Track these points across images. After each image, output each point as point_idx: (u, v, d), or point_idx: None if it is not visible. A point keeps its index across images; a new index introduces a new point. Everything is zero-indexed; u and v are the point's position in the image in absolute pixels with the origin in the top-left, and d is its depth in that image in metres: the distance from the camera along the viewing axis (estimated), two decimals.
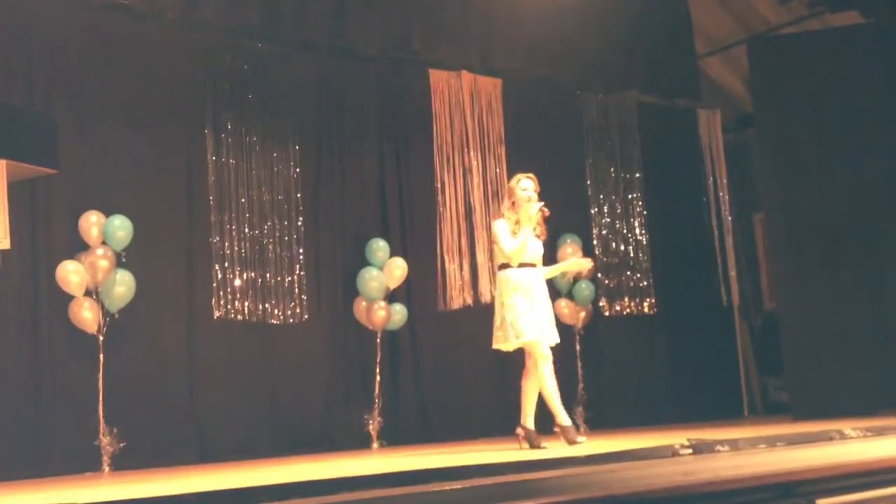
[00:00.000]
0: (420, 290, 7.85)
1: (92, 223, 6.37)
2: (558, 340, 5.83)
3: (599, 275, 8.73)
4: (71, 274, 6.23)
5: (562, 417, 5.72)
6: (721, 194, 9.77)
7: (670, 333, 9.10)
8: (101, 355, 6.29)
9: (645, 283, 9.08)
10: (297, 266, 7.33)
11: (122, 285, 6.36)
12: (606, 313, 8.81)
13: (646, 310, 9.03)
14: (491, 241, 6.03)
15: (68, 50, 6.62)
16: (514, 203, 5.81)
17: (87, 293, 6.30)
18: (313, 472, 4.61)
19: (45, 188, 6.37)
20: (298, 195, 7.42)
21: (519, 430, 5.79)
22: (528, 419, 5.78)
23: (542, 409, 5.80)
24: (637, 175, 9.27)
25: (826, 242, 8.20)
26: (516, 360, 8.17)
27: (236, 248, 7.06)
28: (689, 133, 9.80)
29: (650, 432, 6.23)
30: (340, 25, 7.52)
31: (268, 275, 7.18)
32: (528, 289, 5.69)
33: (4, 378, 6.15)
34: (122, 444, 6.20)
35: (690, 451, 4.37)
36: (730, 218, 9.76)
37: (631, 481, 3.40)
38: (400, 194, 7.95)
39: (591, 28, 8.64)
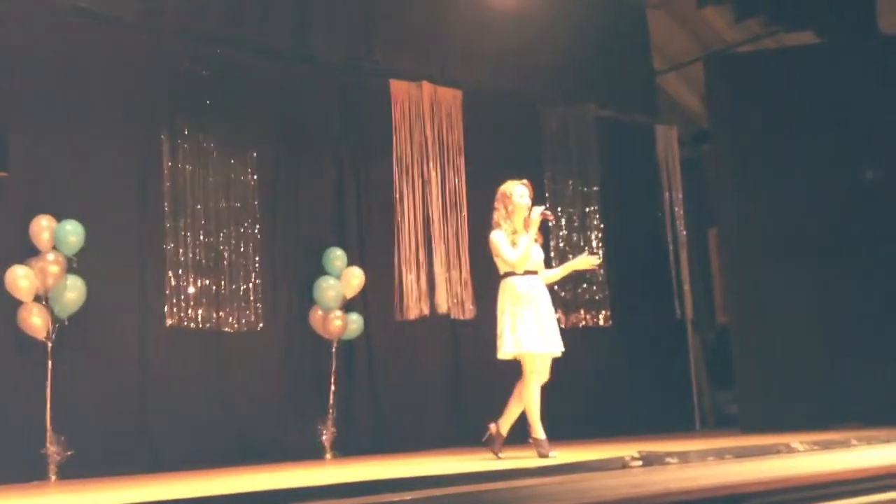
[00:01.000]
0: (377, 299, 7.83)
1: (43, 227, 6.27)
2: (562, 349, 5.76)
3: (556, 287, 8.77)
4: (20, 279, 6.12)
5: (538, 431, 5.71)
6: (676, 209, 9.88)
7: (625, 346, 9.17)
8: (50, 362, 6.18)
9: (600, 296, 9.14)
10: (253, 274, 7.28)
11: (73, 291, 6.26)
12: (562, 325, 8.80)
13: (601, 322, 9.10)
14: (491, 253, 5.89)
15: (24, 52, 6.51)
16: (510, 212, 5.76)
17: (37, 299, 6.19)
18: (264, 482, 4.58)
19: None
20: (255, 202, 7.37)
21: (530, 440, 5.78)
22: (536, 429, 5.75)
23: (522, 418, 5.85)
24: (595, 188, 9.34)
25: (779, 258, 8.34)
26: (472, 371, 8.22)
27: (191, 255, 6.99)
28: (646, 148, 9.90)
29: (602, 444, 6.27)
30: (302, 33, 7.51)
31: (223, 282, 7.11)
32: (531, 298, 5.65)
33: None
34: (69, 453, 6.09)
35: (640, 463, 4.42)
36: (685, 232, 9.86)
37: (581, 493, 3.42)
38: (358, 203, 7.93)
39: (551, 42, 8.72)
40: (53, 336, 6.22)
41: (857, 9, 8.43)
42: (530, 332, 5.58)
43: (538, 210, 5.71)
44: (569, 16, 8.69)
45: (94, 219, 6.49)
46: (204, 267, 7.05)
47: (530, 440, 5.78)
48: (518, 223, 5.74)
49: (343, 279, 7.46)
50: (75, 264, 6.32)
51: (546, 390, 5.94)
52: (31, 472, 6.02)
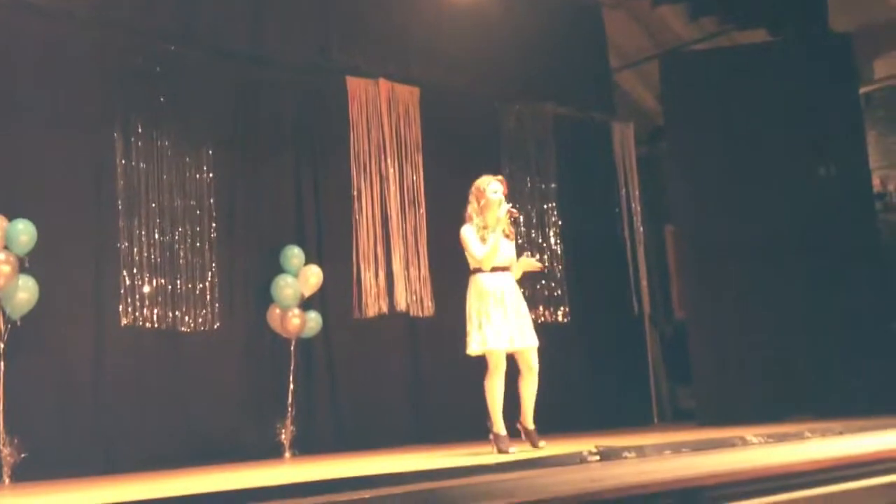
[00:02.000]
0: (335, 297, 7.79)
1: None
2: (536, 343, 5.80)
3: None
4: None
5: (498, 426, 5.73)
6: (633, 206, 9.96)
7: (583, 342, 9.22)
8: (2, 363, 6.07)
9: (559, 292, 9.18)
10: (210, 273, 7.21)
11: (25, 291, 6.15)
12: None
13: (559, 318, 9.14)
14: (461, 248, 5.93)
15: None
16: (482, 206, 5.78)
17: None
18: (221, 482, 4.54)
19: None
20: (211, 201, 7.30)
21: (519, 428, 5.87)
22: (529, 419, 5.86)
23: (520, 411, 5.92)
24: (552, 186, 9.38)
25: (734, 254, 8.44)
26: (431, 369, 8.22)
27: (146, 254, 6.90)
28: (603, 145, 9.97)
29: (561, 439, 6.30)
30: (257, 30, 7.45)
31: (178, 281, 7.04)
32: (499, 295, 5.67)
33: None
34: (23, 455, 5.98)
35: (598, 457, 4.44)
36: (641, 229, 9.94)
37: (539, 488, 3.43)
38: (316, 201, 7.88)
39: (508, 40, 8.74)
40: (5, 337, 6.11)
41: (808, 8, 8.55)
42: (496, 329, 5.61)
43: (504, 207, 5.73)
44: (526, 14, 8.71)
45: (47, 218, 6.37)
46: (159, 266, 6.96)
47: (490, 436, 5.79)
48: (490, 218, 5.77)
49: (301, 277, 7.42)
50: (27, 264, 6.21)
51: (506, 385, 5.98)
52: None
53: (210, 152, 7.34)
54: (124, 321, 6.75)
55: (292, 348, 7.36)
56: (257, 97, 7.69)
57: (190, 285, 7.09)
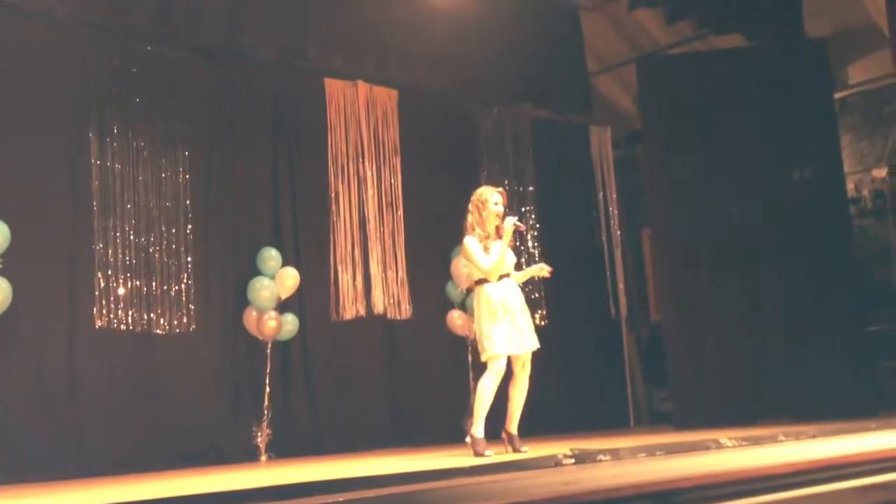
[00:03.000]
0: (312, 300, 7.77)
1: None
2: (537, 346, 5.97)
3: None
4: None
5: (477, 428, 5.81)
6: (611, 209, 9.99)
7: (560, 344, 9.22)
8: None
9: (536, 295, 9.18)
10: (185, 275, 7.17)
11: None
12: None
13: (537, 321, 9.11)
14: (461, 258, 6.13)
15: None
16: (483, 217, 5.91)
17: None
18: (196, 485, 4.51)
19: None
20: (187, 202, 7.26)
21: (503, 435, 5.96)
22: (514, 424, 5.94)
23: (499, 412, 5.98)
24: (530, 188, 9.40)
25: (710, 258, 8.49)
26: (409, 372, 8.21)
27: (121, 256, 6.86)
28: (580, 148, 10.00)
29: (537, 442, 6.31)
30: (234, 30, 7.40)
31: (154, 283, 6.99)
32: (507, 302, 5.83)
33: None
34: None
35: (573, 460, 4.46)
36: (619, 232, 9.97)
37: (514, 491, 3.43)
38: (293, 203, 7.85)
39: (486, 43, 8.74)
40: None
41: (784, 13, 8.61)
42: (505, 335, 5.78)
43: (511, 220, 5.88)
44: (504, 17, 8.71)
45: (21, 218, 6.32)
46: (134, 267, 6.92)
47: (467, 438, 5.81)
48: (490, 228, 5.91)
49: (278, 279, 7.39)
50: (1, 265, 6.15)
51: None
52: None
53: (186, 153, 7.30)
54: (99, 323, 6.70)
55: (268, 351, 7.33)
56: (234, 98, 7.66)
57: (165, 287, 7.05)
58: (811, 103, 8.56)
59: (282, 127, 7.89)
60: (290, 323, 7.45)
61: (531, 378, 8.86)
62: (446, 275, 8.40)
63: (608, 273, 9.86)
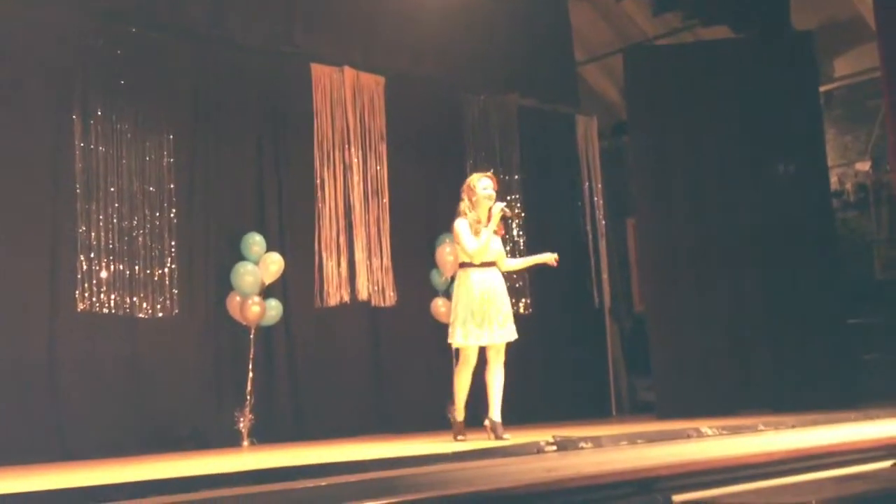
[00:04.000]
0: (296, 286, 7.75)
1: None
2: (513, 337, 6.02)
3: None
4: None
5: (460, 413, 6.01)
6: (596, 199, 10.01)
7: (544, 334, 9.25)
8: None
9: (520, 284, 9.19)
10: (169, 259, 7.13)
11: None
12: None
13: (521, 310, 9.15)
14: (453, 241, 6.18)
15: None
16: (474, 202, 5.96)
17: None
18: (178, 469, 4.50)
19: None
20: (171, 186, 7.22)
21: (486, 423, 5.98)
22: (494, 412, 5.94)
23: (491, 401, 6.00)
24: (516, 177, 9.40)
25: (694, 249, 8.52)
26: (392, 359, 8.21)
27: (103, 239, 6.81)
28: (566, 138, 10.00)
29: (520, 430, 6.33)
30: (220, 13, 7.36)
31: (137, 267, 6.95)
32: (487, 291, 5.88)
33: None
34: None
35: (555, 447, 4.48)
36: (604, 222, 10.00)
37: (496, 477, 3.45)
38: (278, 188, 7.82)
39: (474, 31, 8.73)
40: None
41: (771, 5, 8.64)
42: (477, 325, 5.84)
43: (499, 206, 5.95)
44: (492, 5, 8.71)
45: (2, 200, 6.29)
46: (117, 251, 6.87)
47: (486, 422, 5.94)
48: (482, 214, 5.99)
49: (262, 265, 7.37)
50: None
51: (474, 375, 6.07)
52: None
53: (170, 137, 7.25)
54: (81, 306, 6.66)
55: (252, 336, 7.31)
56: (220, 83, 7.60)
57: (148, 271, 7.01)
58: (796, 96, 8.59)
59: (267, 112, 7.85)
60: (274, 309, 7.43)
61: (511, 367, 8.92)
62: (431, 262, 8.40)
63: (592, 263, 9.88)
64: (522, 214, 9.33)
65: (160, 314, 7.03)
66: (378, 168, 8.30)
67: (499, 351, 5.98)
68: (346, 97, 8.20)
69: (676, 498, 3.53)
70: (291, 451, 6.03)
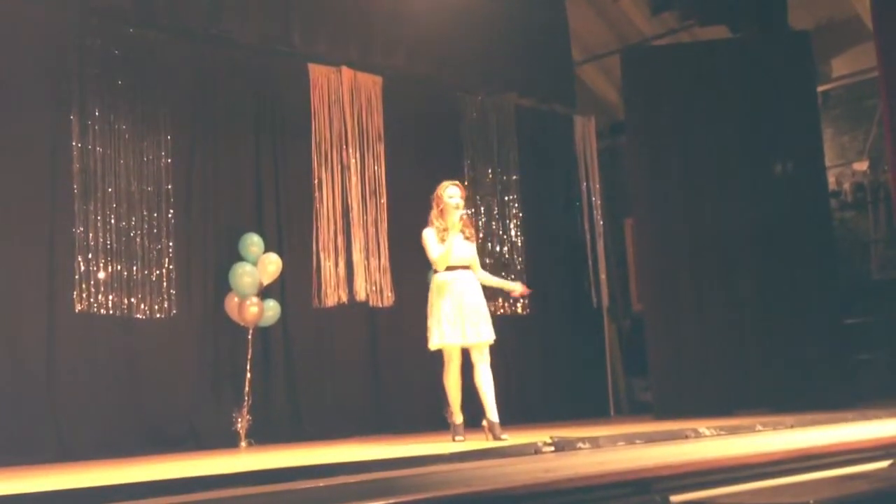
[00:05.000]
0: (294, 286, 7.75)
1: None
2: (491, 338, 6.03)
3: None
4: None
5: (455, 415, 6.01)
6: (594, 199, 10.01)
7: (542, 334, 9.27)
8: None
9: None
10: (166, 259, 7.13)
11: None
12: None
13: (519, 310, 9.17)
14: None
15: None
16: (441, 210, 6.04)
17: None
18: (175, 470, 4.50)
19: None
20: (169, 186, 7.22)
21: (483, 423, 6.01)
22: (490, 412, 5.96)
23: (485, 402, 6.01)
24: (514, 177, 9.41)
25: (692, 249, 8.52)
26: (390, 359, 8.21)
27: (101, 239, 6.81)
28: (564, 138, 10.01)
29: (518, 430, 6.33)
30: (217, 13, 7.35)
31: (134, 268, 6.95)
32: (455, 291, 5.94)
33: None
34: None
35: (553, 448, 4.47)
36: (601, 222, 10.00)
37: (494, 478, 3.45)
38: (276, 189, 7.82)
39: (471, 31, 8.73)
40: None
41: (768, 5, 8.64)
42: (451, 324, 5.88)
43: (457, 214, 6.01)
44: (489, 5, 8.70)
45: (0, 200, 6.27)
46: (115, 252, 6.88)
47: (483, 422, 5.97)
48: (450, 221, 6.02)
49: (260, 265, 7.37)
50: None
51: (464, 378, 6.05)
52: None
53: (168, 137, 7.26)
54: (79, 307, 6.66)
55: (250, 337, 7.31)
56: (218, 83, 7.61)
57: (146, 271, 7.02)
58: (794, 96, 8.58)
59: (265, 112, 7.85)
60: (272, 309, 7.43)
61: (509, 367, 8.96)
62: (429, 263, 8.38)
63: (590, 263, 9.88)
64: (520, 215, 9.33)
65: (158, 315, 7.03)
66: (376, 168, 8.30)
67: (481, 352, 6.00)
68: (343, 97, 8.20)
69: (674, 498, 3.53)
70: (289, 451, 6.03)
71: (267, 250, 7.46)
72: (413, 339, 8.30)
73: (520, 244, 9.31)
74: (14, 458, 6.04)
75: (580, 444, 4.60)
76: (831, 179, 9.26)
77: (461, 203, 6.04)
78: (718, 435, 5.31)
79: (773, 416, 6.84)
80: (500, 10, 8.90)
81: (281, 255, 7.53)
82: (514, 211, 9.33)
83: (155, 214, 7.12)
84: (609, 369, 9.82)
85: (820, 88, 9.17)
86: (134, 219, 7.01)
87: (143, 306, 6.96)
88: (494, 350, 8.87)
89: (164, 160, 7.22)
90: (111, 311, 6.81)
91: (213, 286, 7.36)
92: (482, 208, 9.13)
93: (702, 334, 8.40)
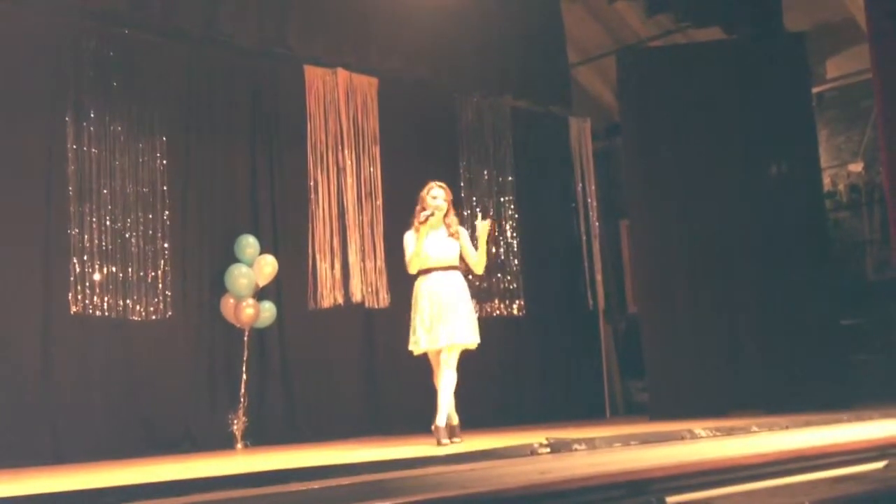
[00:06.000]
0: (290, 288, 7.74)
1: None
2: (475, 341, 5.95)
3: (470, 277, 8.80)
4: None
5: (440, 418, 5.85)
6: (590, 200, 10.01)
7: (538, 335, 9.27)
8: None
9: (515, 286, 9.22)
10: (162, 261, 7.12)
11: None
12: (476, 314, 8.86)
13: (515, 311, 9.17)
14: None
15: None
16: (420, 211, 5.99)
17: None
18: (171, 472, 4.49)
19: None
20: (164, 188, 7.21)
21: (432, 427, 5.94)
22: (439, 417, 5.91)
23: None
24: (510, 179, 9.41)
25: (687, 251, 8.53)
26: (386, 361, 8.20)
27: (97, 241, 6.81)
28: (560, 139, 10.02)
29: (514, 432, 6.33)
30: (212, 15, 7.34)
31: (130, 269, 6.94)
32: (436, 294, 5.85)
33: None
34: None
35: (548, 450, 4.48)
36: (597, 223, 10.00)
37: (489, 480, 3.45)
38: (272, 191, 7.82)
39: (467, 33, 8.73)
40: None
41: (763, 6, 8.65)
42: (424, 330, 5.86)
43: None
44: (485, 6, 8.71)
45: None
46: (110, 253, 6.87)
47: (433, 427, 5.86)
48: (433, 222, 5.96)
49: (255, 267, 7.36)
50: None
51: (459, 379, 6.03)
52: None
53: (164, 139, 7.25)
54: (74, 309, 6.65)
55: (245, 338, 7.31)
56: (213, 84, 7.61)
57: (142, 273, 7.01)
58: (789, 97, 8.60)
59: (260, 114, 7.85)
60: (268, 311, 7.42)
61: (505, 368, 8.94)
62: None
63: (586, 264, 9.89)
64: (516, 216, 9.34)
65: (154, 316, 7.02)
66: (371, 170, 8.30)
67: (449, 354, 5.86)
68: (339, 99, 8.20)
69: (670, 499, 3.53)
70: (285, 453, 6.02)
71: (263, 252, 7.46)
72: (409, 340, 8.32)
73: (515, 246, 9.31)
74: (9, 459, 6.03)
75: (576, 446, 4.60)
76: (826, 180, 9.27)
77: (443, 205, 5.95)
78: (714, 436, 5.32)
79: (769, 417, 6.86)
80: (496, 12, 8.91)
81: (277, 256, 7.53)
82: (509, 212, 9.33)
83: (150, 216, 7.12)
84: (605, 370, 9.83)
85: (815, 90, 9.18)
86: (129, 220, 7.00)
87: (138, 308, 6.95)
88: (491, 351, 8.94)
89: (159, 162, 7.22)
90: (107, 313, 6.80)
91: (208, 288, 7.35)
92: (478, 210, 9.12)
93: (697, 335, 8.41)
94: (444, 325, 5.80)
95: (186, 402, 7.14)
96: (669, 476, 3.67)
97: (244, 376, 7.24)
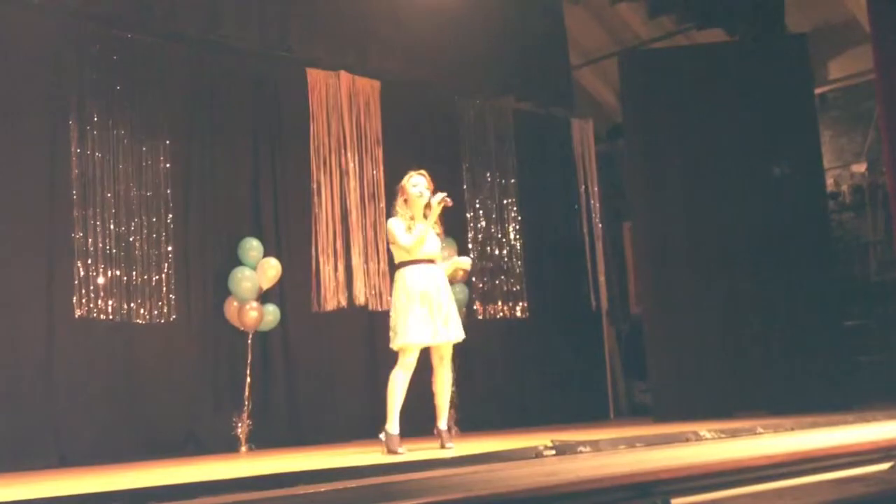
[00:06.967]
0: (294, 291, 7.75)
1: None
2: (459, 337, 5.78)
3: (474, 279, 8.83)
4: None
5: (392, 424, 5.67)
6: (592, 202, 10.02)
7: (541, 337, 9.27)
8: None
9: (518, 288, 9.22)
10: (166, 264, 7.13)
11: None
12: (480, 316, 8.90)
13: (518, 313, 9.18)
14: (387, 242, 5.97)
15: None
16: (406, 200, 5.78)
17: None
18: (175, 476, 4.50)
19: None
20: (168, 191, 7.22)
21: (434, 431, 5.90)
22: (441, 420, 5.88)
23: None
24: (512, 181, 9.42)
25: (690, 252, 8.52)
26: (389, 363, 8.19)
27: (100, 245, 6.81)
28: (562, 141, 10.02)
29: (518, 434, 6.33)
30: (215, 18, 7.35)
31: (134, 273, 6.95)
32: (426, 290, 5.62)
33: None
34: None
35: (553, 452, 4.48)
36: (600, 225, 10.01)
37: (494, 482, 3.44)
38: (275, 194, 7.83)
39: (469, 35, 8.74)
40: None
41: (765, 8, 8.65)
42: (416, 324, 5.57)
43: (438, 196, 5.71)
44: (487, 9, 8.72)
45: None
46: (114, 257, 6.88)
47: (381, 435, 5.70)
48: (416, 211, 5.77)
49: (259, 270, 7.37)
50: None
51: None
52: None
53: (167, 142, 7.27)
54: (78, 312, 6.66)
55: (249, 341, 7.31)
56: (216, 88, 7.62)
57: (146, 277, 7.02)
58: (792, 98, 8.59)
59: (263, 117, 7.86)
60: (272, 314, 7.43)
61: (508, 370, 8.91)
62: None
63: (589, 266, 9.89)
64: (518, 218, 9.33)
65: (157, 320, 7.03)
66: (374, 172, 8.31)
67: (443, 355, 5.78)
68: (341, 101, 8.21)
69: (676, 501, 3.52)
70: (289, 456, 6.02)
71: (266, 255, 7.46)
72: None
73: (518, 248, 9.31)
74: (13, 463, 6.05)
75: (581, 448, 4.60)
76: (829, 181, 9.27)
77: (425, 192, 5.72)
78: (719, 438, 5.32)
79: (773, 418, 6.84)
80: (498, 15, 8.92)
81: (280, 259, 7.53)
82: (512, 214, 9.34)
83: (154, 219, 7.13)
84: (608, 372, 9.83)
85: (817, 91, 9.18)
86: (133, 224, 7.01)
87: (142, 311, 6.96)
88: (495, 353, 8.95)
89: (162, 165, 7.23)
90: (111, 317, 6.81)
91: (212, 291, 7.36)
92: (481, 212, 9.13)
93: (701, 337, 8.40)
94: (439, 321, 5.65)
95: (190, 405, 7.14)
96: (675, 478, 3.67)
97: (248, 379, 7.24)
